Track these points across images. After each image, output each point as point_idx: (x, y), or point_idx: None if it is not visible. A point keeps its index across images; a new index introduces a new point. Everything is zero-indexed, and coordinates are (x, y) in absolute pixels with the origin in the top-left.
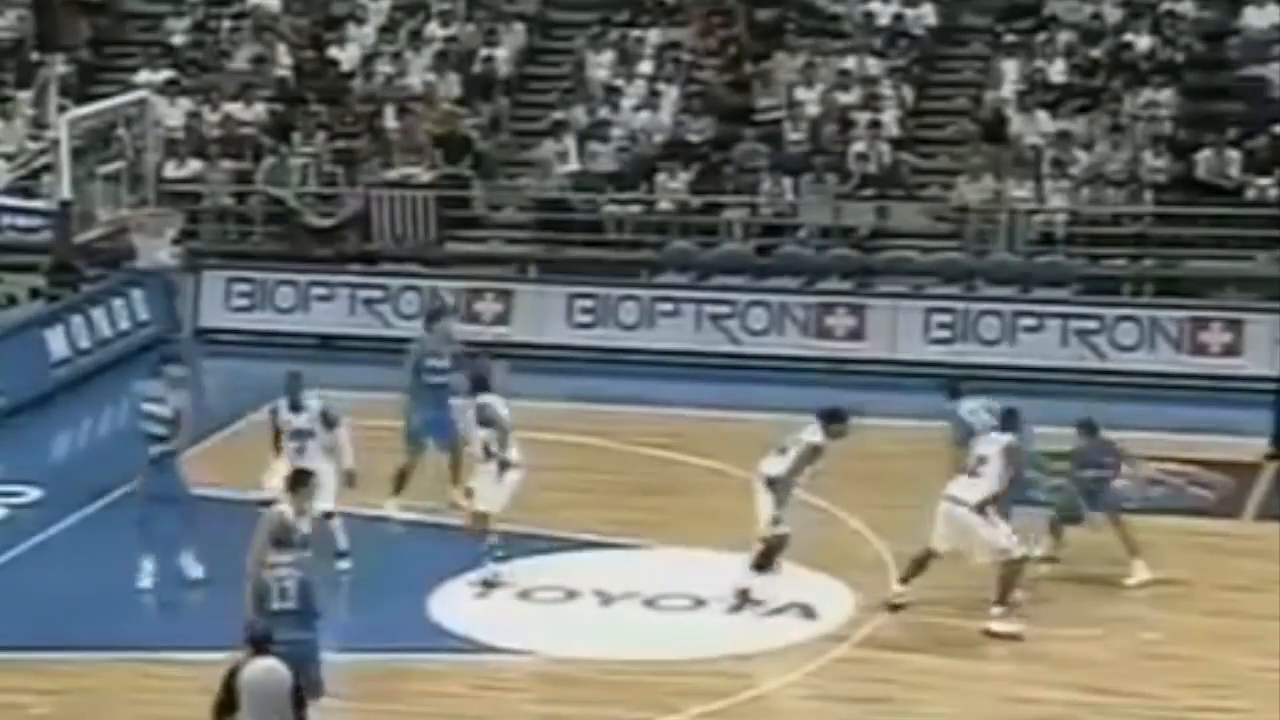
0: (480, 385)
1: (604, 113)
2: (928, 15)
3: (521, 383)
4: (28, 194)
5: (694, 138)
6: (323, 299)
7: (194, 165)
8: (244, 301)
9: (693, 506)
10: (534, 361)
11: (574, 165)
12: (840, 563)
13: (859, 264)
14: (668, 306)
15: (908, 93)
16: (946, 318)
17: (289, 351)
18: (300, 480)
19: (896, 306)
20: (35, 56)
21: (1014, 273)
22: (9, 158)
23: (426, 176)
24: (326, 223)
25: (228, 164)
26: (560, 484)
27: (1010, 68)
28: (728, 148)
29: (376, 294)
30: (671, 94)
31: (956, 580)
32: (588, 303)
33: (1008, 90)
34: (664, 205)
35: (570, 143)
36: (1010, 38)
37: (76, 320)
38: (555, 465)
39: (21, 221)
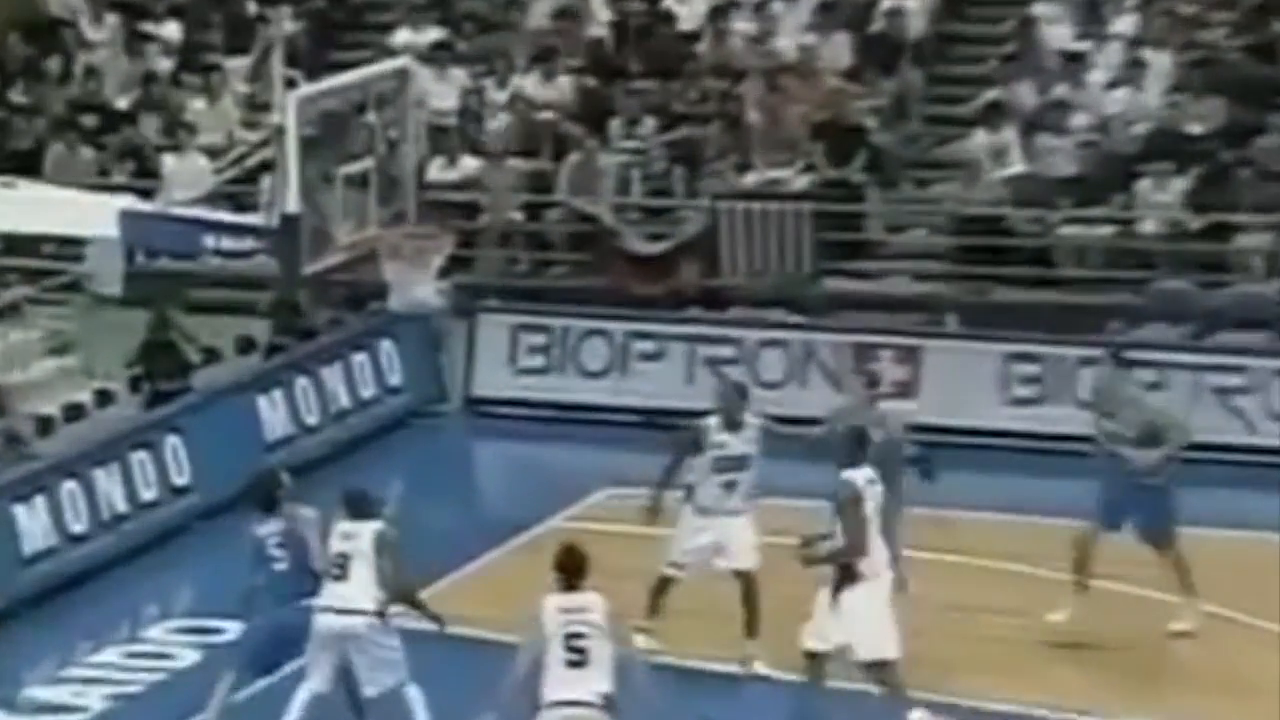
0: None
1: (1061, 91)
2: None
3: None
4: (239, 205)
5: (1195, 128)
6: (648, 357)
7: (470, 165)
8: (536, 360)
9: (1186, 669)
10: (952, 452)
11: (1016, 167)
12: None
13: None
14: (1151, 375)
15: None
16: None
17: (599, 432)
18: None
19: None
20: (254, 10)
21: None
22: (214, 153)
23: (800, 183)
24: (656, 249)
25: (518, 164)
26: (985, 632)
27: None
28: (1244, 143)
29: (724, 351)
30: (1161, 64)
31: None
32: (1031, 368)
33: None
34: (1147, 227)
35: (1011, 135)
36: None
37: (302, 384)
38: (984, 605)
39: (229, 244)
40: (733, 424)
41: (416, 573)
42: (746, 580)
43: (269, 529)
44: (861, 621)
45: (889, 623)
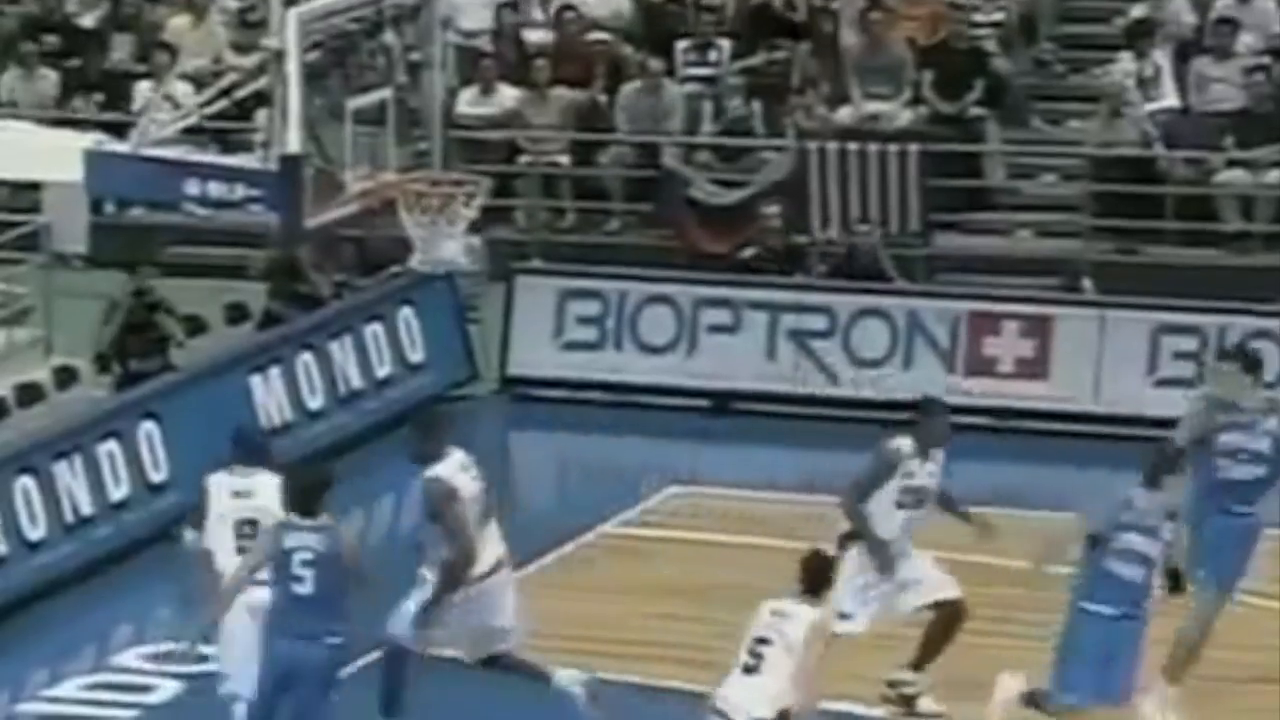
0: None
1: (1224, 6)
2: None
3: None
4: (228, 145)
5: None
6: (720, 329)
7: (507, 96)
8: (586, 332)
9: None
10: (1086, 443)
11: (1168, 100)
12: None
13: None
14: None
15: None
16: None
17: (662, 419)
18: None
19: None
20: None
21: None
22: (198, 82)
23: (904, 118)
24: (730, 198)
25: (565, 95)
26: None
27: None
28: None
29: (813, 323)
30: None
31: None
32: (1185, 341)
33: None
34: None
35: (1162, 61)
36: None
37: (304, 361)
38: None
39: (217, 191)
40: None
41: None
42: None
43: (299, 540)
44: None
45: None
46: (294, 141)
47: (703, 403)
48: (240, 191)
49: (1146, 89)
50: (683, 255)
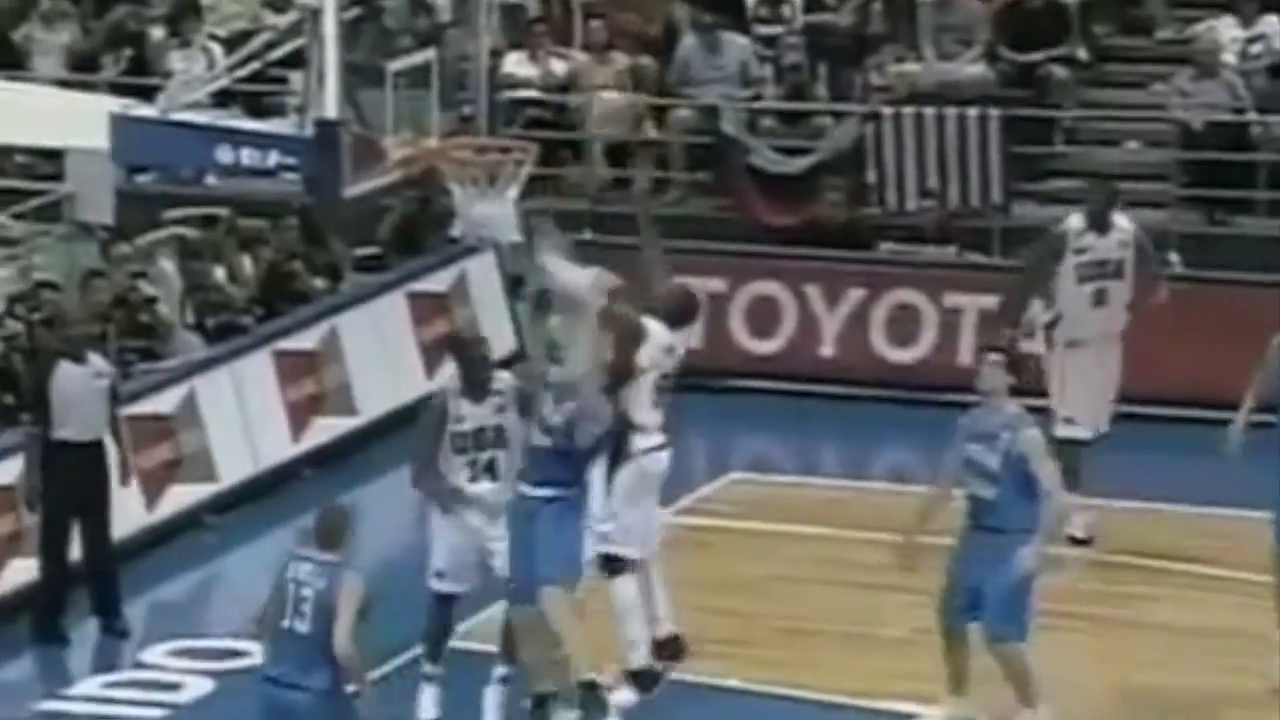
0: None
1: None
2: None
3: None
4: (261, 110)
5: None
6: (764, 306)
7: (560, 60)
8: None
9: None
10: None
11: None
12: None
13: None
14: None
15: None
16: None
17: (724, 401)
18: None
19: None
20: None
21: None
22: (230, 42)
23: (972, 72)
24: (793, 167)
25: (621, 57)
26: None
27: None
28: None
29: (878, 306)
30: None
31: None
32: None
33: None
34: None
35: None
36: None
37: None
38: None
39: (250, 158)
40: None
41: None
42: None
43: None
44: None
45: None
46: (331, 106)
47: (768, 384)
48: (274, 159)
49: (1246, 46)
50: (743, 227)
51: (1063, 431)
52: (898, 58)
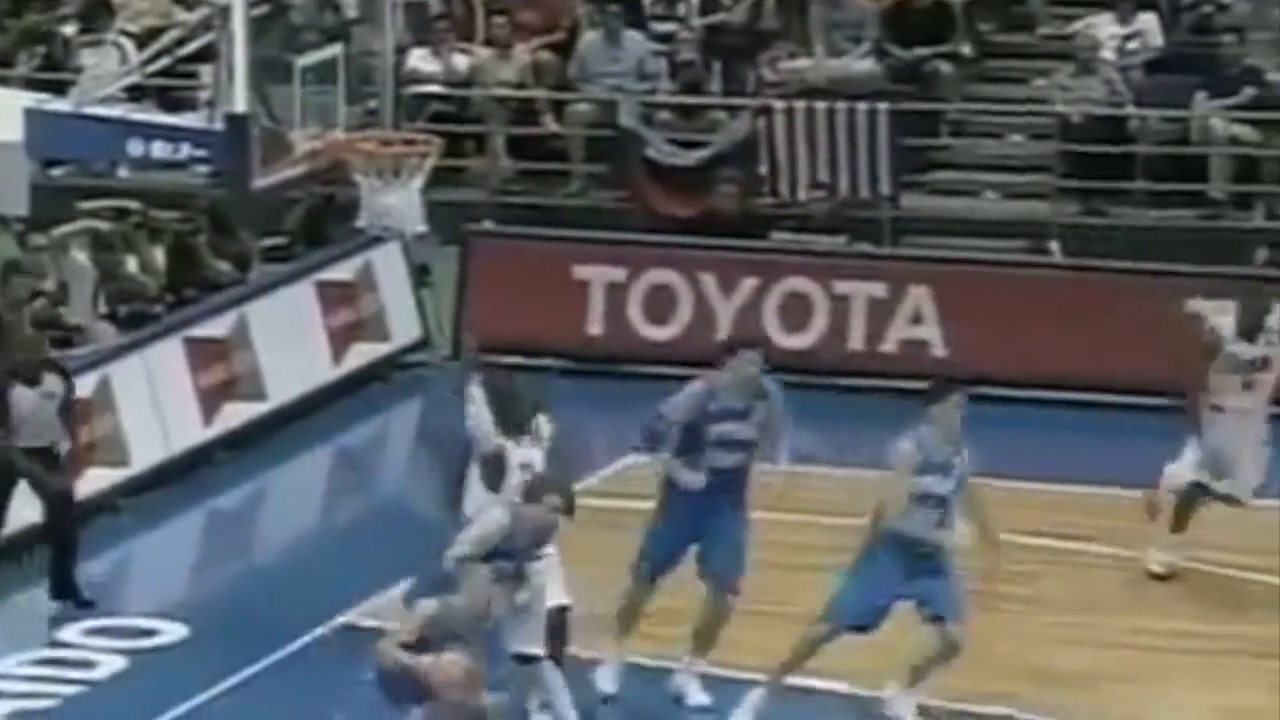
0: None
1: None
2: None
3: None
4: (172, 103)
5: None
6: (661, 294)
7: (463, 55)
8: (545, 295)
9: None
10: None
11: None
12: None
13: None
14: None
15: None
16: None
17: (624, 385)
18: None
19: None
20: None
21: None
22: (141, 38)
23: (861, 68)
24: (689, 159)
25: (524, 50)
26: None
27: None
28: None
29: (770, 294)
30: None
31: None
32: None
33: None
34: None
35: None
36: None
37: None
38: None
39: (161, 150)
40: None
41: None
42: None
43: None
44: None
45: None
46: (240, 100)
47: (665, 369)
48: (185, 151)
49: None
50: (641, 218)
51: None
52: (790, 54)
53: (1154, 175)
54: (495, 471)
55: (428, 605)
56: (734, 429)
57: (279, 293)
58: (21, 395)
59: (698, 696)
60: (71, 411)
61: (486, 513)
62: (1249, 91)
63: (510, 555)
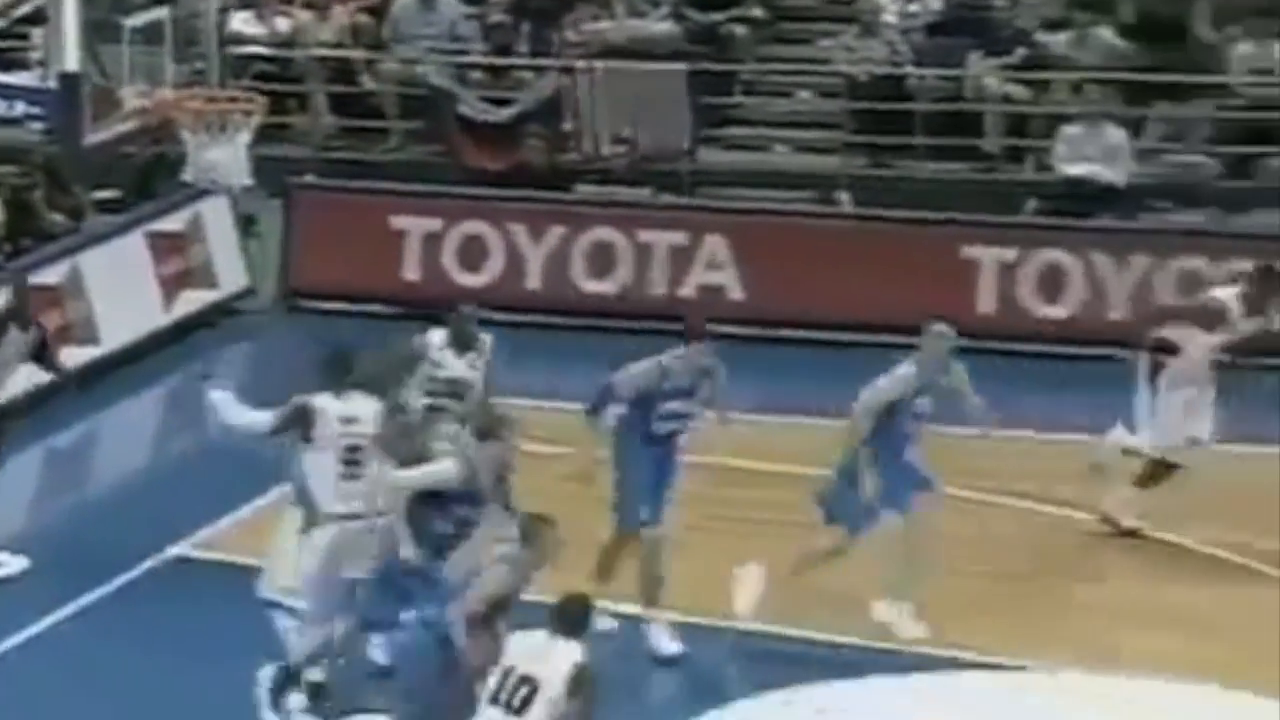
0: None
1: None
2: None
3: None
4: (5, 63)
5: None
6: (474, 243)
7: (284, 18)
8: (366, 246)
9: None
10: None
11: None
12: None
13: None
14: None
15: None
16: None
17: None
18: None
19: None
20: None
21: None
22: None
23: (660, 30)
24: (499, 115)
25: (343, 13)
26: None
27: None
28: None
29: (577, 243)
30: None
31: None
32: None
33: None
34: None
35: None
36: None
37: None
38: None
39: None
40: None
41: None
42: None
43: None
44: None
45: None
46: (72, 59)
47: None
48: (20, 109)
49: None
50: (455, 171)
51: None
52: (593, 16)
53: (933, 130)
54: (299, 422)
55: (495, 576)
56: (680, 406)
57: (111, 243)
58: None
59: (670, 646)
60: (43, 359)
61: (433, 466)
62: (1020, 52)
63: (475, 499)
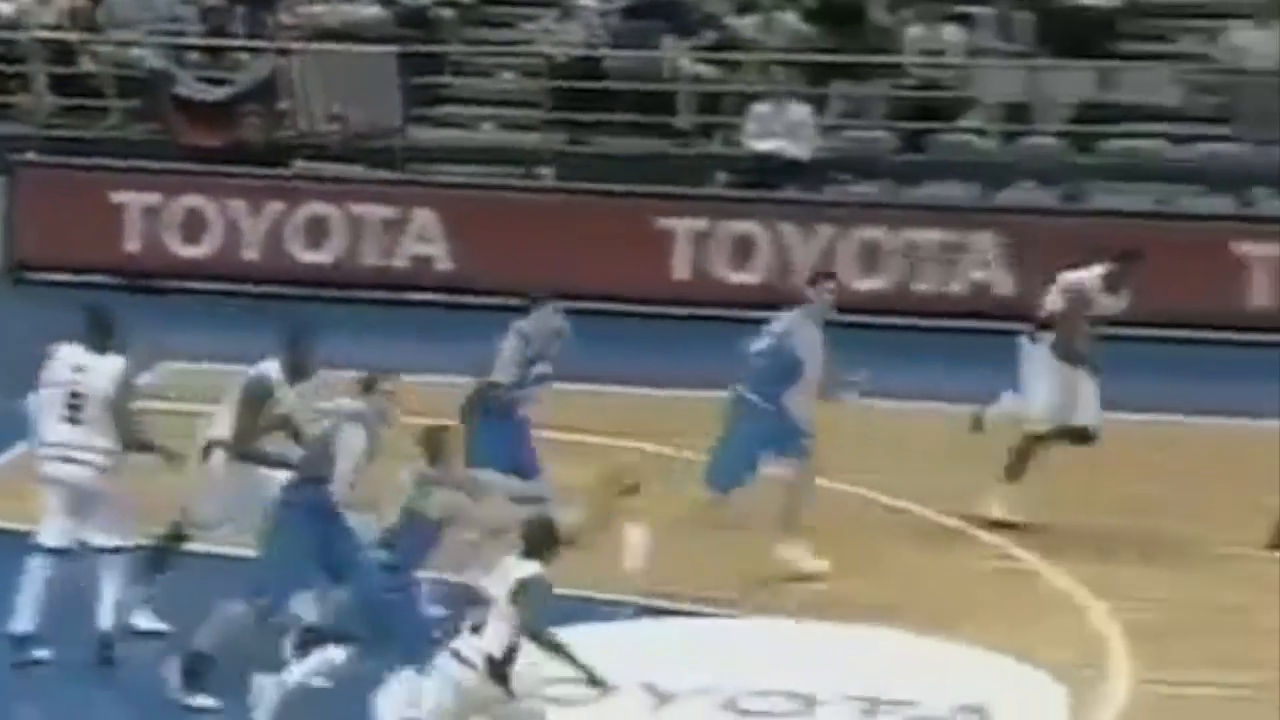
0: None
1: None
2: None
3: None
4: None
5: None
6: (193, 216)
7: (6, 2)
8: (91, 221)
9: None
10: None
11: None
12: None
13: None
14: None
15: None
16: None
17: (162, 304)
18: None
19: None
20: None
21: None
22: None
23: (370, 13)
24: (216, 95)
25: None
26: None
27: None
28: None
29: (293, 216)
30: None
31: None
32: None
33: None
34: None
35: None
36: None
37: None
38: None
39: None
40: None
41: None
42: None
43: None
44: None
45: None
46: None
47: (213, 285)
48: None
49: None
50: (174, 149)
51: None
52: (307, 0)
53: (629, 108)
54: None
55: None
56: (545, 369)
57: None
58: None
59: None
60: None
61: (346, 443)
62: (710, 35)
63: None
